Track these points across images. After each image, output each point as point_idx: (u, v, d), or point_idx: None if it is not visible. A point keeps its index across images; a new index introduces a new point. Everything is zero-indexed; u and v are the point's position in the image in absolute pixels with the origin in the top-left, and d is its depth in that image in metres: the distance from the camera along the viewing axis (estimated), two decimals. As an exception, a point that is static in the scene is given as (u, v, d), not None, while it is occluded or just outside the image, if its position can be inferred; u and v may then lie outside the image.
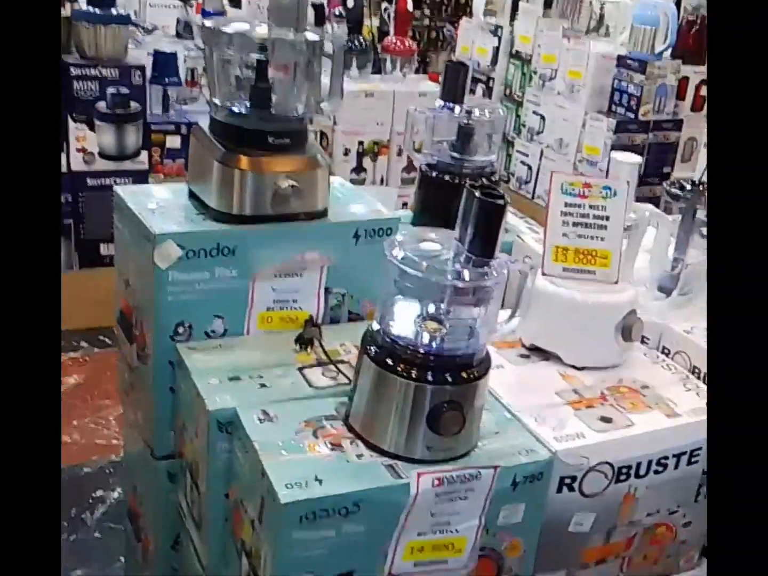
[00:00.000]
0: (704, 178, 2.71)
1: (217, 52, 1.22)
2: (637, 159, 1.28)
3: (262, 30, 1.22)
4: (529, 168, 3.50)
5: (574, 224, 1.21)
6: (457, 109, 1.62)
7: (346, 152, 2.53)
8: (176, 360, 1.17)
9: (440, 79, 1.64)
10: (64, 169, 2.29)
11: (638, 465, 1.10)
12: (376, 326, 1.01)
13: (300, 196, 1.21)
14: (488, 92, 3.71)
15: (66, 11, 2.34)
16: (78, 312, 2.18)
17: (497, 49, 3.60)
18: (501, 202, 0.96)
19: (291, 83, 1.24)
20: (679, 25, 3.30)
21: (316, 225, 1.26)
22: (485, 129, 1.66)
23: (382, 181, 2.66)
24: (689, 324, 1.33)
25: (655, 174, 3.25)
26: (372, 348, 1.00)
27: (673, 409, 1.16)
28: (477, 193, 0.97)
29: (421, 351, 0.99)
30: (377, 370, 0.99)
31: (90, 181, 2.33)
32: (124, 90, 2.31)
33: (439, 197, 1.67)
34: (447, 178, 1.64)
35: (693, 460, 1.15)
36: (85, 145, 2.30)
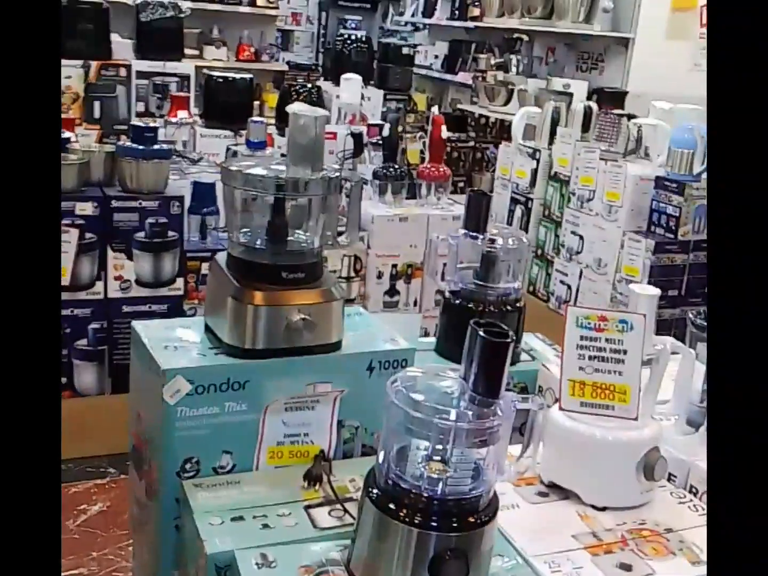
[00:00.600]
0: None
1: (236, 191, 1.25)
2: (655, 291, 1.26)
3: (279, 170, 1.25)
4: (569, 288, 3.48)
5: (590, 358, 1.18)
6: (480, 237, 1.63)
7: (380, 275, 2.56)
8: (181, 497, 1.15)
9: (464, 208, 1.66)
10: (101, 296, 2.34)
11: (661, 618, 1.03)
12: (378, 467, 0.99)
13: (312, 329, 1.21)
14: (527, 213, 3.74)
15: (111, 147, 2.45)
16: (107, 437, 2.19)
17: (536, 171, 3.65)
18: (505, 340, 0.95)
19: (307, 219, 1.26)
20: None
21: (329, 357, 1.25)
22: (509, 257, 1.66)
23: (415, 303, 2.67)
24: (718, 461, 1.27)
25: (697, 295, 3.20)
26: (374, 491, 0.97)
27: (698, 555, 1.09)
28: (481, 331, 0.95)
29: (425, 495, 0.95)
30: (378, 513, 0.96)
31: (125, 308, 2.38)
32: (163, 219, 2.38)
33: (461, 324, 1.65)
34: (470, 305, 1.63)
35: (722, 612, 1.07)
36: (122, 273, 2.35)
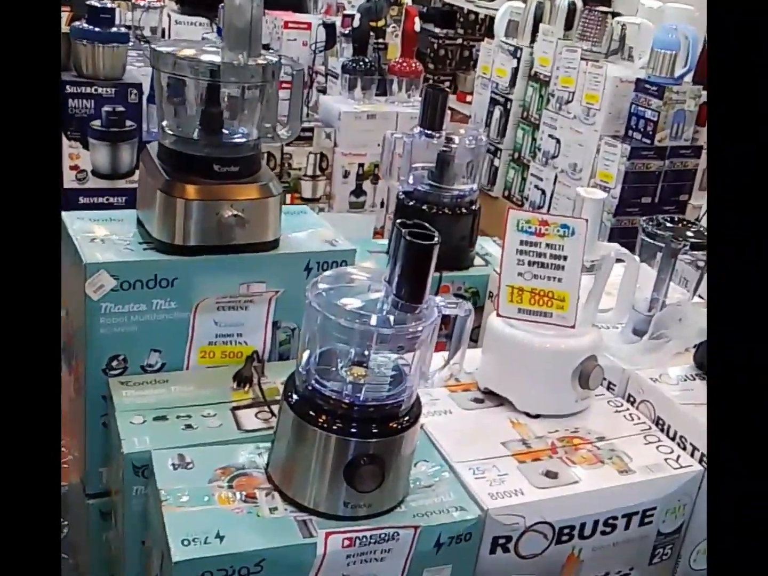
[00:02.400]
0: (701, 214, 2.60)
1: (166, 76, 1.18)
2: (601, 195, 1.21)
3: (212, 54, 1.18)
4: (543, 193, 3.43)
5: (530, 263, 1.14)
6: (437, 135, 1.57)
7: (346, 174, 2.49)
8: (107, 395, 1.13)
9: (420, 105, 1.59)
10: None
11: (582, 525, 1.03)
12: (297, 372, 0.96)
13: (245, 226, 1.17)
14: (506, 114, 3.64)
15: (65, 28, 2.33)
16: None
17: (516, 70, 3.54)
18: (430, 242, 0.91)
19: (242, 109, 1.20)
20: (702, 49, 3.21)
21: (264, 256, 1.21)
22: (466, 157, 1.61)
23: (382, 204, 2.61)
24: (657, 371, 1.25)
25: (671, 203, 3.16)
26: (293, 396, 0.95)
27: (627, 464, 1.09)
28: (405, 233, 0.91)
29: (344, 401, 0.93)
30: (297, 419, 0.94)
31: (82, 200, 2.31)
32: (120, 108, 2.29)
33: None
34: (424, 207, 1.58)
35: (646, 520, 1.07)
36: (78, 162, 2.28)
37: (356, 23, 2.47)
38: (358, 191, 2.52)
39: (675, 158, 3.09)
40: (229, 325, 1.22)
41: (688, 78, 3.12)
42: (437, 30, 6.46)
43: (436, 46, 6.40)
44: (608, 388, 1.29)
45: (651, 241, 1.30)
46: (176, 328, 1.17)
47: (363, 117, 2.46)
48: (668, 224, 1.32)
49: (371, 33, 3.11)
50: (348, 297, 0.93)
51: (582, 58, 3.21)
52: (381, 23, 3.14)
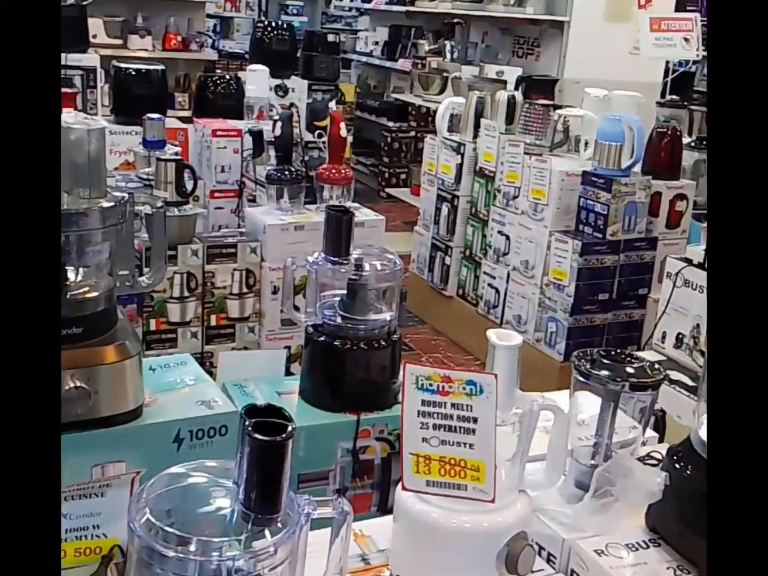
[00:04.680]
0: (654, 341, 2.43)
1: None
2: (516, 340, 1.03)
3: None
4: (497, 291, 3.26)
5: (435, 427, 0.95)
6: (344, 261, 1.39)
7: (275, 290, 2.31)
8: None
9: (324, 227, 1.42)
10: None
11: None
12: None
13: (89, 398, 0.97)
14: (453, 211, 3.51)
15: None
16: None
17: (461, 166, 3.42)
18: (278, 439, 0.71)
19: (83, 257, 1.01)
20: (650, 137, 3.11)
21: (121, 430, 1.01)
22: (380, 283, 1.43)
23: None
24: (604, 540, 1.05)
25: (630, 297, 3.00)
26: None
27: None
28: (248, 425, 0.71)
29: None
30: None
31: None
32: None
33: (327, 364, 1.42)
34: (336, 342, 1.39)
35: None
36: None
37: (277, 131, 2.33)
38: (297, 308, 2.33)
39: (630, 251, 2.94)
40: (83, 516, 1.00)
41: (637, 168, 3.01)
42: (390, 123, 6.43)
43: (389, 139, 6.35)
44: (548, 561, 1.08)
45: (586, 381, 1.12)
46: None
47: (290, 229, 2.29)
48: (604, 360, 1.13)
49: (318, 132, 2.99)
50: (183, 511, 0.73)
51: (526, 152, 3.10)
52: (325, 122, 3.01)
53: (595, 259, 2.88)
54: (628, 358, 1.15)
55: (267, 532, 0.72)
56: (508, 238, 3.19)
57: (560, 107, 3.25)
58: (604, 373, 1.11)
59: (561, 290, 2.92)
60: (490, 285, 3.31)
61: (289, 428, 0.71)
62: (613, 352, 1.16)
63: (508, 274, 3.20)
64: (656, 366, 1.14)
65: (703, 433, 1.08)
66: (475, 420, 0.94)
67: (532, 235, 3.05)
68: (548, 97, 3.76)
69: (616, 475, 1.10)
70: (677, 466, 1.07)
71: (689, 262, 2.14)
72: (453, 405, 0.94)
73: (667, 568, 1.02)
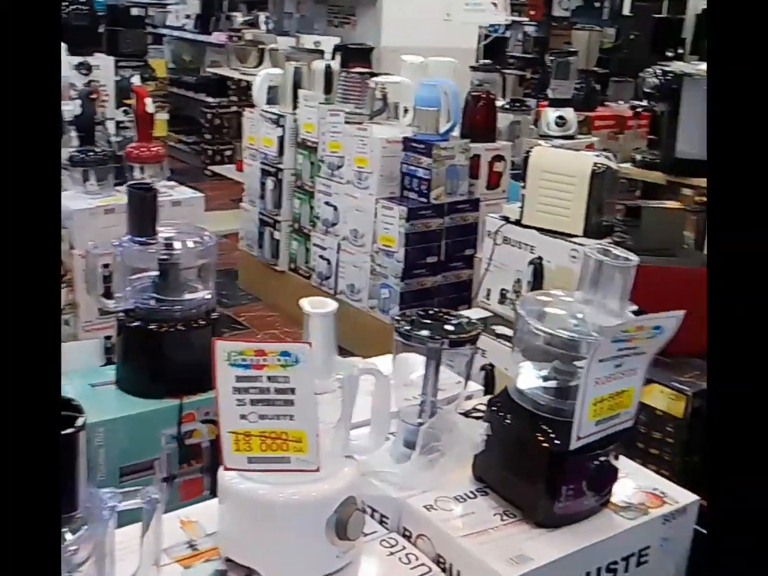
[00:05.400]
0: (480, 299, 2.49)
1: None
2: (332, 306, 1.01)
3: None
4: (329, 262, 3.25)
5: (253, 402, 0.92)
6: (152, 241, 1.33)
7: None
8: None
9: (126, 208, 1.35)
10: None
11: None
12: None
13: None
14: (279, 184, 3.46)
15: None
16: None
17: (282, 138, 3.37)
18: (68, 432, 0.66)
19: None
20: (466, 101, 3.18)
21: None
22: (193, 261, 1.38)
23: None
24: (433, 495, 1.06)
25: (458, 259, 3.07)
26: None
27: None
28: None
29: None
30: None
31: None
32: None
33: (143, 351, 1.36)
34: (151, 326, 1.33)
35: None
36: None
37: (77, 110, 2.19)
38: (108, 293, 2.22)
39: (454, 214, 3.01)
40: None
41: (456, 132, 3.07)
42: (209, 99, 6.27)
43: (210, 115, 6.19)
44: (381, 522, 1.08)
45: (407, 342, 1.12)
46: None
47: (99, 213, 2.17)
48: (423, 321, 1.14)
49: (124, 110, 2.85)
50: None
51: (346, 122, 3.09)
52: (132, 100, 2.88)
53: (421, 224, 2.93)
54: (446, 316, 1.16)
55: (67, 531, 0.67)
56: (335, 208, 3.18)
57: (377, 75, 3.26)
58: (424, 332, 1.11)
59: (391, 256, 2.95)
60: (321, 257, 3.30)
61: (79, 421, 0.66)
62: (431, 311, 1.17)
63: (339, 245, 3.19)
64: (473, 321, 1.15)
65: (520, 383, 1.11)
66: (292, 391, 0.91)
67: (359, 204, 3.06)
68: (366, 66, 3.76)
69: (441, 431, 1.12)
70: (497, 416, 1.09)
71: (507, 219, 2.20)
72: (269, 378, 0.91)
73: (494, 515, 1.04)
